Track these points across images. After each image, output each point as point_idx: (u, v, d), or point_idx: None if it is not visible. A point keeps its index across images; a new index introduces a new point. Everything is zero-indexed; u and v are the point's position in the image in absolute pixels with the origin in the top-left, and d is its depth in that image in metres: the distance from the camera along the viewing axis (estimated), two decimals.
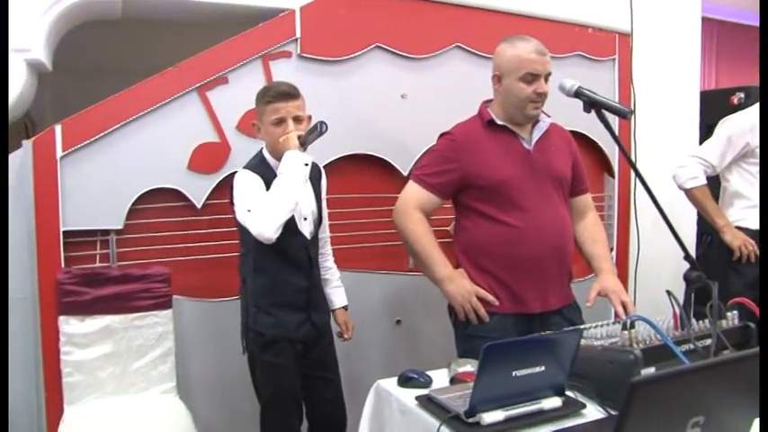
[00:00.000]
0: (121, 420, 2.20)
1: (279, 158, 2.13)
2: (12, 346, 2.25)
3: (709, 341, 1.69)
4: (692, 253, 2.03)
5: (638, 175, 2.00)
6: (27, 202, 2.24)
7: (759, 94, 3.11)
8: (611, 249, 3.28)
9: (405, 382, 1.78)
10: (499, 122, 2.25)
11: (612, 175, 3.37)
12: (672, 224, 1.95)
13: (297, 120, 2.16)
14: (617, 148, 3.26)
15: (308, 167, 2.10)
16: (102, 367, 2.26)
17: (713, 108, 3.67)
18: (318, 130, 2.11)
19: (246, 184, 2.12)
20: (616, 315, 2.18)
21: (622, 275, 3.25)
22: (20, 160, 2.26)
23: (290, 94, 2.17)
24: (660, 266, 3.19)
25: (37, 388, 2.26)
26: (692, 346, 1.65)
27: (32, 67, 2.41)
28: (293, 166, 2.07)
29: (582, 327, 1.81)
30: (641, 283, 3.29)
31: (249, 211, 2.05)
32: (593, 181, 3.22)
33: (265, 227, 2.01)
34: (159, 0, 2.56)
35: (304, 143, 2.13)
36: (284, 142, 2.11)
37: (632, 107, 3.26)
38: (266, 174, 2.13)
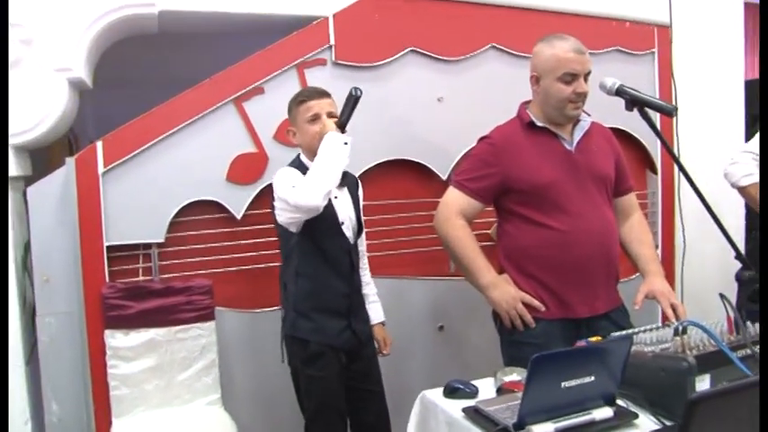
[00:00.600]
0: None
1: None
2: (60, 359, 2.31)
3: None
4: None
5: (683, 171, 1.94)
6: (71, 218, 2.28)
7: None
8: (656, 248, 3.22)
9: (451, 392, 1.75)
10: (539, 124, 2.20)
11: (655, 172, 3.29)
12: (720, 222, 1.89)
13: (330, 116, 2.17)
14: (659, 143, 3.21)
15: (348, 147, 2.09)
16: (147, 380, 2.29)
17: (758, 98, 3.55)
18: (353, 95, 2.14)
19: (286, 173, 2.13)
20: (664, 317, 2.11)
21: (668, 275, 3.13)
22: (63, 177, 2.30)
23: (322, 92, 2.22)
24: (707, 266, 3.11)
25: (86, 401, 2.30)
26: (748, 352, 1.59)
27: (74, 86, 2.46)
28: (333, 143, 2.08)
29: (631, 332, 1.76)
30: (688, 283, 3.20)
31: (294, 186, 2.05)
32: (636, 178, 3.13)
33: (311, 194, 2.00)
34: (194, 13, 2.57)
35: (342, 125, 2.14)
36: (322, 130, 2.13)
37: (673, 101, 3.18)
38: (305, 174, 2.12)
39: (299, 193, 2.02)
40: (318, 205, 2.01)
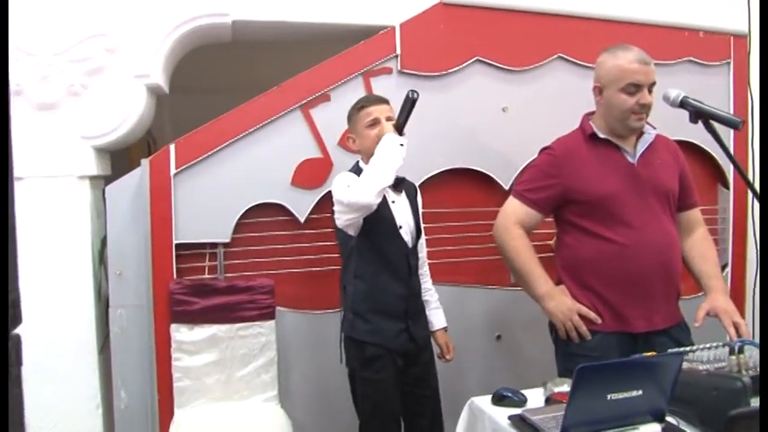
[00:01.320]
0: (226, 425, 2.32)
1: None
2: (129, 349, 2.44)
3: None
4: None
5: (752, 189, 1.89)
6: (144, 216, 2.40)
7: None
8: (726, 266, 3.11)
9: (499, 400, 1.76)
10: (601, 136, 2.18)
11: (727, 186, 3.18)
12: None
13: (389, 120, 2.22)
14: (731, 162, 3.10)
15: (404, 149, 2.14)
16: (208, 374, 2.38)
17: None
18: (410, 98, 2.18)
19: (343, 176, 2.19)
20: (729, 338, 2.05)
21: (739, 295, 3.06)
22: (138, 177, 2.43)
23: (381, 99, 2.27)
24: None
25: (151, 390, 2.41)
26: None
27: (151, 91, 2.59)
28: (389, 144, 2.12)
29: (686, 349, 1.73)
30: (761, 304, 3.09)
31: (348, 186, 2.10)
32: (706, 192, 3.06)
33: (365, 191, 2.04)
34: (265, 22, 2.67)
35: (400, 128, 2.19)
36: (379, 132, 2.18)
37: (750, 113, 3.08)
38: None
39: (353, 192, 2.07)
40: (371, 202, 2.05)
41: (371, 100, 2.26)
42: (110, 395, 2.47)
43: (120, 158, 3.00)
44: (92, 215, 2.50)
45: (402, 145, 2.14)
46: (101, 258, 2.56)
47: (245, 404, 2.40)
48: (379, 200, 2.08)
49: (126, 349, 2.44)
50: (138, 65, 2.49)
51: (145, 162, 2.41)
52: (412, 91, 2.19)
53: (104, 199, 2.47)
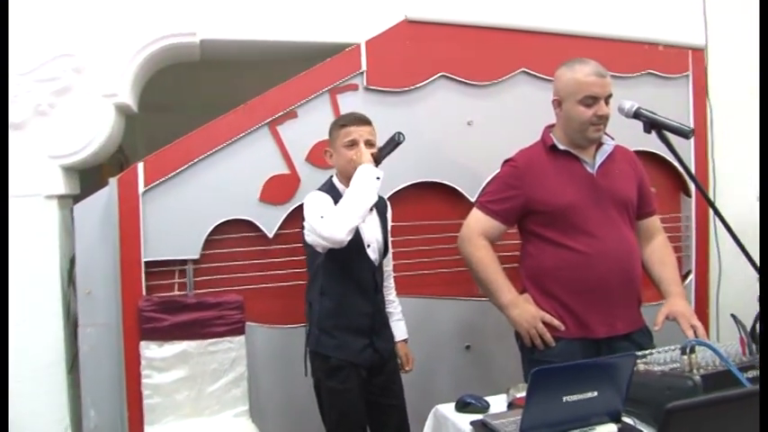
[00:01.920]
0: None
1: (349, 182, 2.19)
2: (99, 368, 2.43)
3: None
4: None
5: (702, 193, 1.95)
6: (113, 234, 2.41)
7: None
8: (689, 272, 3.18)
9: (462, 406, 1.79)
10: (561, 147, 2.23)
11: (689, 195, 3.25)
12: (743, 244, 1.89)
13: (368, 144, 2.24)
14: (693, 166, 3.18)
15: (380, 182, 2.15)
16: (178, 390, 2.38)
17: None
18: (396, 140, 2.20)
19: (317, 199, 2.20)
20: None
21: (702, 300, 3.12)
22: (107, 196, 2.44)
23: (363, 120, 2.29)
24: (742, 289, 3.03)
25: (121, 409, 2.40)
26: (757, 373, 1.58)
27: (120, 110, 2.61)
28: (365, 177, 2.13)
29: (644, 352, 1.77)
30: (723, 308, 3.15)
31: (322, 217, 2.11)
32: (670, 201, 3.13)
33: (337, 229, 2.06)
34: (233, 41, 2.71)
35: (378, 159, 2.20)
36: (357, 158, 2.19)
37: (708, 123, 3.16)
38: (335, 198, 2.19)
39: (325, 226, 2.07)
40: (343, 240, 2.07)
41: (353, 120, 2.27)
42: (79, 415, 2.46)
43: (92, 177, 3.01)
44: (60, 234, 2.50)
45: (378, 178, 2.15)
46: (69, 277, 2.55)
47: (215, 419, 2.40)
48: (351, 237, 2.08)
49: (95, 368, 2.43)
50: (106, 84, 2.51)
51: (113, 181, 2.42)
52: (399, 134, 2.21)
53: (73, 218, 2.47)
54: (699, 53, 3.25)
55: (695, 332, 2.06)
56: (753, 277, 2.82)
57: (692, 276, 3.17)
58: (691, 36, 3.24)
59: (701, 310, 3.06)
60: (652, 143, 2.68)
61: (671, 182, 3.20)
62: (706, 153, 3.13)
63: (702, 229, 3.22)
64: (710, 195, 3.14)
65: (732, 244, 3.03)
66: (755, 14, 3.39)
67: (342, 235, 2.06)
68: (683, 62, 3.22)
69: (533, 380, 1.41)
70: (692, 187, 3.21)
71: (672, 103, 3.05)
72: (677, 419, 0.97)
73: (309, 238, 2.16)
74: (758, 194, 2.86)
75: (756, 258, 1.92)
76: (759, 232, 2.71)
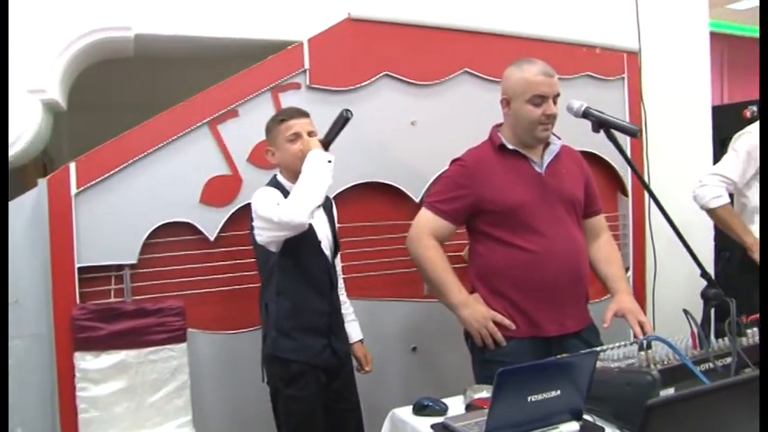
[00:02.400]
0: None
1: (296, 177, 2.12)
2: (28, 382, 2.27)
3: (729, 360, 1.66)
4: (710, 270, 2.00)
5: (649, 192, 1.99)
6: (43, 239, 2.26)
7: (759, 95, 3.05)
8: (627, 269, 3.26)
9: (420, 410, 1.76)
10: (510, 146, 2.24)
11: (626, 194, 3.34)
12: (687, 241, 1.93)
13: (310, 135, 2.19)
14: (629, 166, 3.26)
15: (332, 165, 2.10)
16: (117, 402, 2.26)
17: (726, 123, 3.64)
18: (344, 117, 2.16)
19: (267, 192, 2.14)
20: (634, 335, 2.14)
21: (639, 295, 3.20)
22: (35, 198, 2.29)
23: (302, 112, 2.24)
24: (678, 285, 3.14)
25: (53, 425, 2.26)
26: (711, 366, 1.62)
27: (48, 107, 2.46)
28: (317, 161, 2.08)
29: (598, 349, 1.78)
30: (659, 303, 3.25)
31: (278, 204, 2.05)
32: (607, 200, 3.20)
33: (297, 211, 1.99)
34: (170, 37, 2.60)
35: (327, 143, 2.15)
36: (305, 145, 2.14)
37: (643, 125, 3.25)
38: (283, 195, 2.13)
39: (284, 211, 2.01)
40: (305, 222, 2.02)
41: (292, 113, 2.23)
42: (6, 422, 2.29)
43: (13, 180, 2.83)
44: None
45: (330, 162, 2.11)
46: None
47: None
48: (313, 219, 2.03)
49: (23, 383, 2.27)
50: (33, 79, 2.36)
51: (42, 182, 2.28)
52: (346, 110, 2.17)
53: None
54: (633, 56, 3.34)
55: (642, 328, 2.09)
56: (686, 274, 2.93)
57: (629, 273, 3.26)
58: (625, 39, 3.33)
59: (640, 305, 3.13)
60: (591, 143, 2.76)
61: (608, 182, 3.28)
62: (641, 154, 3.22)
63: (639, 228, 3.31)
64: (647, 194, 3.23)
65: (666, 242, 3.16)
66: (685, 19, 3.53)
67: (303, 217, 2.00)
68: (619, 65, 3.31)
69: (499, 380, 1.39)
70: (629, 187, 3.31)
71: (609, 104, 3.10)
72: (657, 416, 0.96)
73: (263, 236, 2.10)
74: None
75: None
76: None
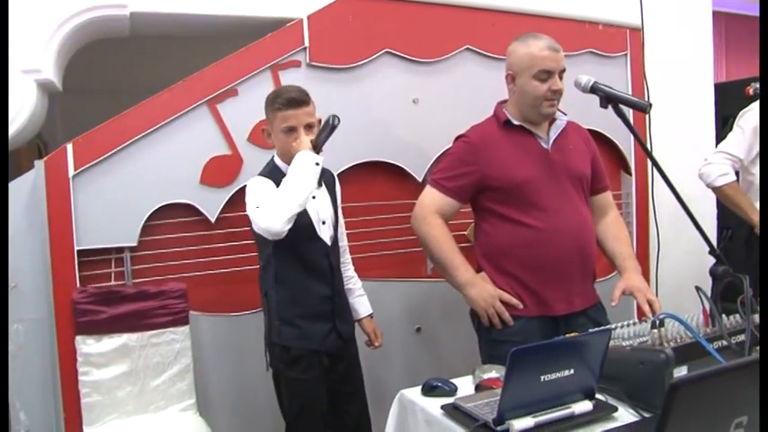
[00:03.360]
0: None
1: (290, 163, 2.09)
2: (30, 367, 2.25)
3: (741, 337, 1.64)
4: None
5: (657, 166, 1.96)
6: (41, 222, 2.22)
7: (759, 94, 3.02)
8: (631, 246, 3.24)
9: (429, 390, 1.73)
10: (515, 122, 2.21)
11: (629, 173, 3.32)
12: (694, 217, 1.91)
13: (308, 127, 2.12)
14: (632, 145, 3.24)
15: (320, 167, 2.05)
16: (120, 386, 2.24)
17: (729, 100, 3.61)
18: (330, 124, 2.08)
19: (257, 187, 2.09)
20: (639, 313, 2.12)
21: (644, 273, 3.18)
22: (32, 181, 2.25)
23: (300, 100, 2.11)
24: (681, 263, 3.14)
25: (56, 409, 2.24)
26: (724, 343, 1.60)
27: (43, 88, 2.41)
28: (303, 164, 2.02)
29: (609, 327, 1.76)
30: (662, 281, 3.23)
31: (258, 207, 2.01)
32: (610, 179, 3.13)
33: (273, 219, 1.94)
34: (166, 15, 2.54)
35: (317, 145, 2.09)
36: (296, 146, 2.07)
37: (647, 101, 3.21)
38: (279, 180, 2.07)
39: (261, 217, 1.97)
40: (281, 231, 1.96)
41: (290, 102, 2.09)
42: (7, 420, 2.27)
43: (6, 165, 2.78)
44: None
45: (318, 164, 2.04)
46: None
47: (161, 416, 2.27)
48: (290, 225, 1.97)
49: (25, 367, 2.24)
50: (27, 59, 2.31)
51: (39, 164, 2.23)
52: (334, 116, 2.08)
53: None
54: (636, 33, 3.29)
55: (651, 306, 2.07)
56: (690, 251, 2.92)
57: (633, 250, 3.23)
58: (628, 16, 3.28)
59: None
60: (594, 121, 2.73)
61: (612, 160, 3.24)
62: (645, 131, 3.19)
63: (642, 206, 3.29)
64: (650, 173, 3.21)
65: (669, 220, 3.15)
66: None
67: (278, 226, 1.95)
68: (622, 41, 3.26)
69: (512, 360, 1.37)
70: (633, 165, 3.28)
71: (611, 81, 2.96)
72: (681, 395, 0.94)
73: (255, 227, 2.06)
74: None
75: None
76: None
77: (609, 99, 1.96)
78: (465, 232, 2.74)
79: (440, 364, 2.77)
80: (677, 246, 3.19)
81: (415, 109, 2.82)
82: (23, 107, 2.31)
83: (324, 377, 2.17)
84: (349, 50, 2.67)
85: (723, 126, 3.56)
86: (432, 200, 2.24)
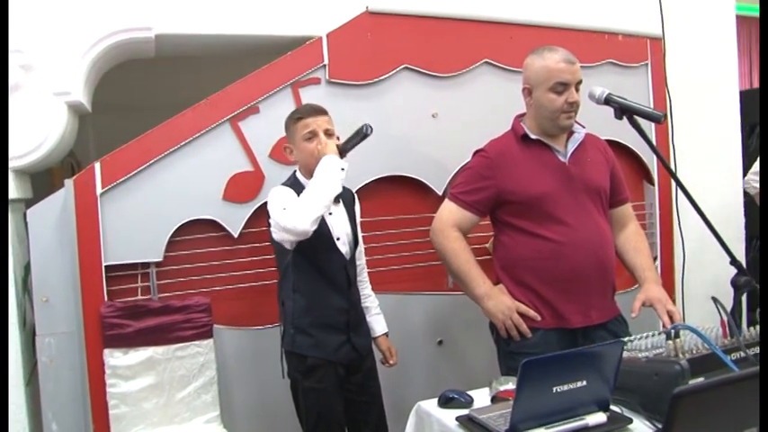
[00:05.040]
0: None
1: (312, 175, 2.13)
2: (61, 379, 2.31)
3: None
4: (741, 259, 1.96)
5: (674, 178, 1.96)
6: (70, 238, 2.29)
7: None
8: (655, 259, 3.21)
9: (445, 402, 1.75)
10: (533, 136, 2.22)
11: (652, 183, 3.29)
12: (715, 228, 1.90)
13: (328, 133, 2.18)
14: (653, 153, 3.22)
15: (344, 172, 2.10)
16: (146, 398, 2.29)
17: (755, 108, 3.56)
18: (363, 132, 2.14)
19: (280, 193, 2.14)
20: (663, 325, 2.11)
21: (668, 285, 3.15)
22: (63, 199, 2.32)
23: (319, 110, 2.22)
24: (707, 274, 3.10)
25: (85, 420, 2.30)
26: (742, 355, 1.59)
27: (73, 109, 2.50)
28: (329, 167, 2.07)
29: (625, 339, 1.76)
30: (689, 293, 3.20)
31: (284, 209, 2.05)
32: (632, 189, 3.14)
33: (300, 219, 1.99)
34: (190, 36, 2.62)
35: (344, 150, 2.14)
36: (322, 149, 2.12)
37: (668, 112, 3.20)
38: (300, 192, 2.13)
39: (288, 217, 2.02)
40: (307, 230, 2.01)
41: (309, 111, 2.21)
42: (40, 430, 2.34)
43: (41, 182, 2.87)
44: (13, 241, 2.37)
45: (343, 169, 2.09)
46: (24, 285, 2.43)
47: (186, 427, 2.31)
48: (315, 227, 2.02)
49: (56, 379, 2.31)
50: (58, 82, 2.40)
51: (69, 182, 2.31)
52: (367, 126, 2.14)
53: (26, 223, 2.35)
54: (657, 42, 3.28)
55: (671, 317, 2.06)
56: (716, 262, 2.88)
57: (657, 263, 3.21)
58: (648, 26, 3.27)
59: (668, 295, 3.09)
60: (615, 131, 2.73)
61: (633, 170, 3.22)
62: (667, 141, 3.17)
63: (666, 217, 3.26)
64: (673, 182, 3.18)
65: (695, 230, 3.11)
66: (710, 3, 3.46)
67: (306, 225, 2.00)
68: (642, 51, 3.25)
69: (523, 371, 1.38)
70: (655, 175, 3.26)
71: (632, 91, 3.06)
72: (684, 404, 0.95)
73: (276, 234, 2.10)
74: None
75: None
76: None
77: (623, 110, 1.97)
78: (486, 245, 2.75)
79: (461, 376, 2.76)
80: (703, 256, 3.15)
81: (434, 123, 2.84)
82: (54, 129, 2.40)
83: (340, 387, 2.20)
84: (368, 67, 2.71)
85: (749, 134, 3.53)
86: (450, 213, 2.26)
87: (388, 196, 2.77)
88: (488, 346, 2.34)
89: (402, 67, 2.77)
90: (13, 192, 2.38)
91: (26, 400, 2.36)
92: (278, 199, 2.12)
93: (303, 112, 2.22)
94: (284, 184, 2.23)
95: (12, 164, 2.36)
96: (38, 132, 2.38)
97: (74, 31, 2.41)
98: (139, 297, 2.38)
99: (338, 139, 2.22)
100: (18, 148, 2.36)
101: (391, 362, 2.40)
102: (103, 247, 2.31)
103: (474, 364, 2.78)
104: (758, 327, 1.73)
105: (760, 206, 2.82)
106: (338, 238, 2.22)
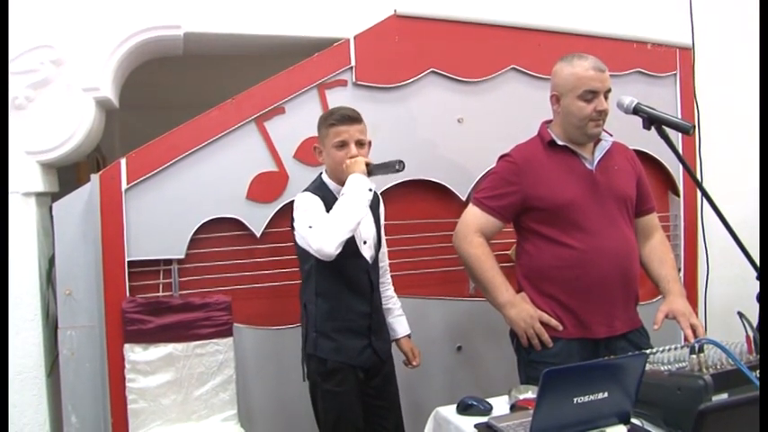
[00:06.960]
0: None
1: (339, 181, 2.14)
2: (81, 372, 2.33)
3: None
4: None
5: (702, 190, 1.93)
6: (95, 233, 2.32)
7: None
8: (679, 270, 3.17)
9: (464, 409, 1.74)
10: (560, 143, 2.20)
11: (677, 194, 3.25)
12: (741, 242, 1.87)
13: (359, 144, 2.17)
14: (681, 166, 3.18)
15: (371, 194, 2.09)
16: (164, 394, 2.30)
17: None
18: (395, 168, 2.11)
19: (307, 204, 2.13)
20: (685, 339, 2.08)
21: (692, 298, 3.12)
22: (88, 193, 2.35)
23: (353, 118, 2.18)
24: (732, 286, 3.06)
25: (104, 414, 2.32)
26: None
27: (101, 105, 2.52)
28: (358, 189, 2.06)
29: (648, 351, 1.74)
30: (711, 305, 3.15)
31: (311, 227, 2.04)
32: (658, 200, 3.10)
33: (327, 242, 1.99)
34: (218, 35, 2.64)
35: (371, 172, 2.13)
36: (351, 165, 2.11)
37: (696, 122, 3.16)
38: (326, 196, 2.13)
39: (314, 239, 2.01)
40: (332, 254, 2.00)
41: (342, 119, 2.16)
42: (59, 421, 2.36)
43: (67, 176, 2.91)
44: (38, 233, 2.40)
45: (371, 190, 2.08)
46: (48, 278, 2.46)
47: (203, 424, 2.32)
48: (340, 249, 2.01)
49: (77, 372, 2.33)
50: (87, 78, 2.42)
51: (94, 177, 2.33)
52: (400, 162, 2.10)
53: (52, 216, 2.38)
54: (686, 52, 3.25)
55: (694, 331, 2.03)
56: (740, 275, 2.83)
57: (681, 275, 3.17)
58: (678, 35, 3.24)
59: (691, 307, 3.07)
60: (641, 141, 2.70)
61: (659, 181, 3.19)
62: (695, 151, 3.13)
63: (691, 228, 3.22)
64: (699, 194, 3.15)
65: (720, 243, 3.07)
66: (741, 14, 3.42)
67: (331, 249, 1.99)
68: (671, 61, 3.22)
69: (545, 381, 1.37)
70: (681, 186, 3.22)
71: (660, 101, 3.04)
72: (709, 421, 0.93)
73: (301, 241, 2.10)
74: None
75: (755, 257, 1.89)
76: (759, 232, 2.72)
77: (651, 120, 1.95)
78: (508, 252, 2.74)
79: (480, 383, 2.75)
80: (728, 269, 3.12)
81: (459, 128, 2.83)
82: (82, 124, 2.43)
83: (359, 391, 2.20)
84: (395, 70, 2.71)
85: None
86: (474, 218, 2.24)
87: (412, 200, 2.77)
88: (507, 354, 2.33)
89: (429, 71, 2.77)
90: (40, 185, 2.41)
91: (47, 391, 2.39)
92: (305, 211, 2.10)
93: (337, 119, 2.17)
94: (310, 187, 2.22)
95: (39, 158, 2.39)
96: (66, 127, 2.41)
97: (104, 27, 2.44)
98: (161, 293, 2.40)
99: (370, 144, 2.22)
100: (46, 142, 2.39)
101: (414, 363, 2.39)
102: (127, 243, 2.33)
103: (492, 372, 2.77)
104: None
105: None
106: (365, 242, 2.22)
